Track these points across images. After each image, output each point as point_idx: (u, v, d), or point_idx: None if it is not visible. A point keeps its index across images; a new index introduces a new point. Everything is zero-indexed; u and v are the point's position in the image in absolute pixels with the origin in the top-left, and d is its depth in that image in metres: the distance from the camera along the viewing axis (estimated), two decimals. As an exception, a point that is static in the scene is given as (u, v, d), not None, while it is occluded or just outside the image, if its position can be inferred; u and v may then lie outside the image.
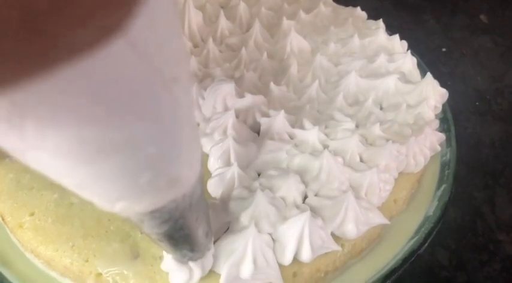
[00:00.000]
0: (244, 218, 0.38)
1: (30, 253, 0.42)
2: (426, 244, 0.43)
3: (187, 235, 0.32)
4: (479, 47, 0.81)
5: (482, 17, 0.87)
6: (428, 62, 0.60)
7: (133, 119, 0.20)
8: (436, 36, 0.83)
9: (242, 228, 0.38)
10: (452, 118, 0.54)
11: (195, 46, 0.57)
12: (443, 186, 0.48)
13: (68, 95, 0.17)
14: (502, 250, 0.53)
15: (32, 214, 0.42)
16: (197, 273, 0.36)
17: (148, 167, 0.23)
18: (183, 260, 0.36)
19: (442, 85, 0.52)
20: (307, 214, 0.38)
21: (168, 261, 0.37)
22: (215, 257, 0.37)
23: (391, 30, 0.60)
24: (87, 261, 0.39)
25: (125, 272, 0.38)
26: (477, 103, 0.71)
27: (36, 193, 0.43)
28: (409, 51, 0.56)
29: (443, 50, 0.80)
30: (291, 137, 0.46)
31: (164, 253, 0.37)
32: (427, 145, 0.47)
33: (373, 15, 0.63)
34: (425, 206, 0.47)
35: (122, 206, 0.25)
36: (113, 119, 0.19)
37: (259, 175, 0.44)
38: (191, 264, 0.36)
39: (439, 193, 0.48)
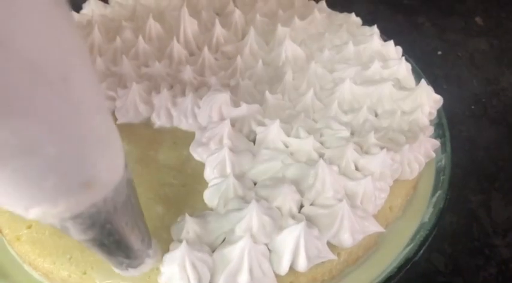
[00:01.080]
0: (240, 229, 0.39)
1: (29, 266, 0.42)
2: (421, 252, 0.44)
3: (118, 242, 0.31)
4: (475, 49, 0.81)
5: (478, 19, 0.87)
6: (424, 65, 0.60)
7: (16, 118, 0.20)
8: (431, 39, 0.83)
9: (238, 239, 0.38)
10: (448, 122, 0.54)
11: (191, 54, 0.58)
12: (439, 192, 0.48)
13: None
14: (498, 255, 0.53)
15: (29, 227, 0.42)
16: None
17: (51, 170, 0.23)
18: (121, 268, 0.35)
19: (438, 88, 0.53)
20: (302, 225, 0.38)
21: (166, 273, 0.37)
22: (212, 268, 0.37)
23: (386, 33, 0.60)
24: (84, 273, 0.40)
25: (123, 284, 0.38)
26: (472, 106, 0.71)
27: (33, 206, 0.43)
28: (404, 57, 0.56)
29: (439, 53, 0.80)
30: (286, 146, 0.47)
31: (161, 266, 0.37)
32: (422, 153, 0.48)
33: (368, 19, 0.64)
34: (421, 213, 0.48)
35: (36, 212, 0.25)
36: None
37: (255, 184, 0.44)
38: (190, 275, 0.36)
39: (434, 199, 0.48)
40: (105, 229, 0.29)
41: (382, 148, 0.44)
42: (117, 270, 0.36)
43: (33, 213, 0.25)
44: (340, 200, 0.41)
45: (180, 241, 0.37)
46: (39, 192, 0.24)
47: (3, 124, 0.20)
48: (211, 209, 0.42)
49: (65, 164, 0.24)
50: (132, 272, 0.36)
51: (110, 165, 0.28)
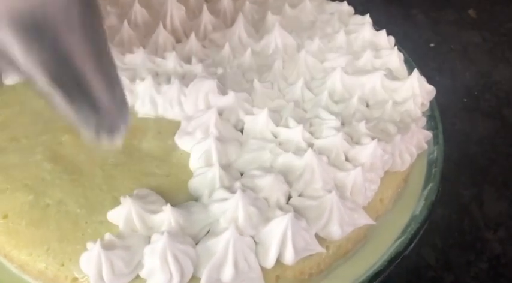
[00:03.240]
0: (225, 220, 0.37)
1: (4, 258, 0.40)
2: (412, 245, 0.43)
3: (78, 80, 0.26)
4: (468, 42, 0.80)
5: (471, 11, 0.86)
6: (416, 57, 0.58)
7: None
8: (424, 31, 0.82)
9: (222, 230, 0.37)
10: (440, 114, 0.53)
11: (178, 41, 0.56)
12: (430, 184, 0.47)
13: None
14: (489, 249, 0.52)
15: (5, 217, 0.41)
16: (176, 278, 0.35)
17: None
18: (90, 130, 0.29)
19: (430, 81, 0.51)
20: (290, 216, 0.37)
21: (147, 266, 0.36)
22: (195, 261, 0.36)
23: (378, 25, 0.59)
24: (62, 265, 0.38)
25: (102, 277, 0.37)
26: (465, 99, 0.70)
27: (9, 195, 0.42)
28: (396, 46, 0.54)
29: (432, 45, 0.79)
30: (275, 136, 0.45)
31: (145, 264, 0.36)
32: (414, 144, 0.47)
33: (360, 10, 0.62)
34: (412, 205, 0.46)
35: None
36: None
37: (242, 174, 0.42)
38: (172, 268, 0.35)
39: (425, 192, 0.47)
40: (58, 51, 0.25)
41: (373, 138, 0.43)
42: (88, 137, 0.30)
43: None
44: (329, 191, 0.39)
45: (162, 233, 0.36)
46: None
47: None
48: (196, 200, 0.41)
49: None
50: (105, 139, 0.30)
51: None
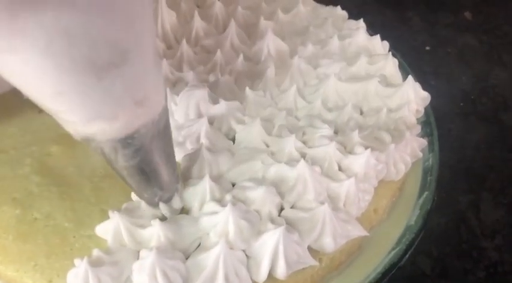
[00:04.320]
0: (215, 234, 0.37)
1: (-10, 273, 0.40)
2: (407, 256, 0.42)
3: (156, 171, 0.35)
4: (464, 45, 0.80)
5: (467, 14, 0.85)
6: (411, 61, 0.58)
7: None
8: (419, 34, 0.82)
9: (213, 245, 0.36)
10: (436, 120, 0.52)
11: (169, 48, 0.55)
12: (425, 193, 0.47)
13: None
14: (487, 258, 0.52)
15: (-9, 231, 0.40)
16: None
17: (122, 84, 0.28)
18: (153, 202, 0.37)
19: (425, 85, 0.51)
20: (281, 229, 0.36)
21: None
22: (185, 277, 0.35)
23: (373, 28, 0.58)
24: (50, 281, 0.37)
25: (89, 294, 0.36)
26: (462, 103, 0.69)
27: (-4, 209, 0.41)
28: (391, 52, 0.54)
29: (427, 48, 0.79)
30: (267, 145, 0.44)
31: (133, 280, 0.35)
32: (408, 152, 0.46)
33: (354, 13, 0.61)
34: (407, 215, 0.46)
35: (98, 126, 0.29)
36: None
37: (233, 185, 0.42)
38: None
39: (420, 201, 0.46)
40: (148, 154, 0.33)
41: (366, 147, 0.42)
42: (148, 207, 0.38)
43: (96, 127, 0.29)
44: (322, 203, 0.39)
45: (152, 249, 0.35)
46: (105, 105, 0.28)
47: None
48: (186, 212, 0.40)
49: (131, 81, 0.29)
50: (162, 208, 0.38)
51: (158, 88, 0.32)
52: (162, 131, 0.34)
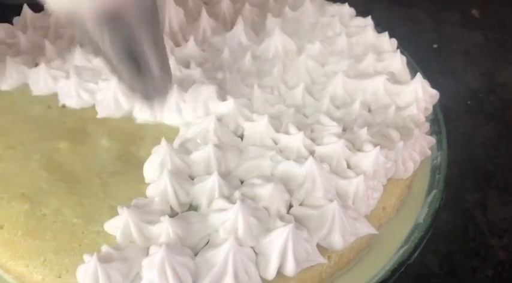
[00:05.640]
0: (224, 231, 0.36)
1: (0, 268, 0.40)
2: (416, 254, 0.42)
3: (146, 59, 0.35)
4: (471, 42, 0.79)
5: (474, 11, 0.85)
6: (418, 59, 0.57)
7: None
8: (427, 32, 0.81)
9: (222, 242, 0.36)
10: (443, 118, 0.52)
11: (176, 45, 0.55)
12: (434, 191, 0.46)
13: None
14: (494, 256, 0.51)
15: (1, 227, 0.40)
16: None
17: None
18: (148, 94, 0.38)
19: (433, 83, 0.50)
20: (291, 227, 0.36)
21: (146, 279, 0.35)
22: (195, 273, 0.35)
23: (380, 25, 0.58)
24: (59, 277, 0.37)
25: (99, 289, 0.36)
26: (469, 101, 0.69)
27: (5, 205, 0.41)
28: (399, 49, 0.53)
29: (434, 46, 0.78)
30: (275, 142, 0.44)
31: (143, 276, 0.35)
32: (417, 150, 0.46)
33: (362, 10, 0.61)
34: (416, 213, 0.45)
35: None
36: None
37: (242, 182, 0.42)
38: (170, 280, 0.34)
39: (429, 199, 0.46)
40: (136, 38, 0.34)
41: (375, 145, 0.42)
42: (143, 103, 0.40)
43: None
44: (331, 200, 0.39)
45: (161, 245, 0.35)
46: None
47: None
48: (195, 209, 0.40)
49: None
50: (157, 102, 0.40)
51: None
52: (149, 10, 0.34)
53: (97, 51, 0.35)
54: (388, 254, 0.42)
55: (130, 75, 0.36)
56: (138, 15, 0.33)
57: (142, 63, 0.35)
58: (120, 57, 0.35)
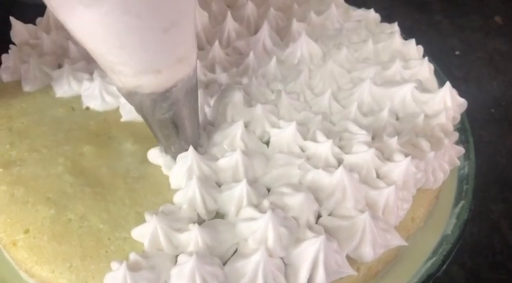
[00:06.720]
0: (254, 241, 0.36)
1: (25, 273, 0.39)
2: (444, 267, 0.41)
3: (184, 124, 0.40)
4: (494, 50, 0.78)
5: (497, 18, 0.84)
6: (441, 66, 0.56)
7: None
8: (449, 38, 0.80)
9: (252, 252, 0.35)
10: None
11: (200, 49, 0.54)
12: (462, 202, 0.46)
13: None
14: (521, 269, 0.50)
15: (26, 231, 0.40)
16: None
17: (172, 42, 0.34)
18: (175, 153, 0.42)
19: (455, 90, 0.49)
20: (322, 238, 0.35)
21: None
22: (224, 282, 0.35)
23: (401, 31, 0.57)
24: (85, 283, 0.37)
25: (126, 297, 0.35)
26: (493, 110, 0.68)
27: (31, 208, 0.41)
28: (426, 57, 0.52)
29: (457, 53, 0.77)
30: (303, 150, 0.44)
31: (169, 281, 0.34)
32: (446, 160, 0.45)
33: (382, 16, 0.60)
34: (443, 224, 0.45)
35: (145, 79, 0.34)
36: None
37: (268, 190, 0.41)
38: None
39: (457, 210, 0.45)
40: (180, 108, 0.38)
41: (406, 155, 0.41)
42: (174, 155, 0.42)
43: (142, 79, 0.34)
44: (362, 211, 0.38)
45: (190, 254, 0.34)
46: (155, 60, 0.34)
47: None
48: (222, 217, 0.39)
49: (178, 40, 0.34)
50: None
51: (194, 48, 0.38)
52: (194, 88, 0.39)
53: (143, 117, 0.40)
54: (416, 266, 0.42)
55: (168, 141, 0.41)
56: (185, 92, 0.38)
57: (181, 130, 0.40)
58: (164, 125, 0.39)
